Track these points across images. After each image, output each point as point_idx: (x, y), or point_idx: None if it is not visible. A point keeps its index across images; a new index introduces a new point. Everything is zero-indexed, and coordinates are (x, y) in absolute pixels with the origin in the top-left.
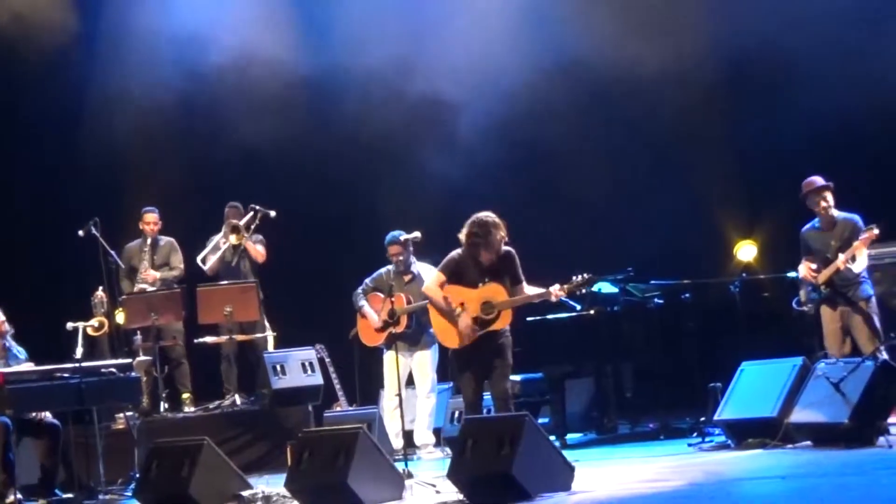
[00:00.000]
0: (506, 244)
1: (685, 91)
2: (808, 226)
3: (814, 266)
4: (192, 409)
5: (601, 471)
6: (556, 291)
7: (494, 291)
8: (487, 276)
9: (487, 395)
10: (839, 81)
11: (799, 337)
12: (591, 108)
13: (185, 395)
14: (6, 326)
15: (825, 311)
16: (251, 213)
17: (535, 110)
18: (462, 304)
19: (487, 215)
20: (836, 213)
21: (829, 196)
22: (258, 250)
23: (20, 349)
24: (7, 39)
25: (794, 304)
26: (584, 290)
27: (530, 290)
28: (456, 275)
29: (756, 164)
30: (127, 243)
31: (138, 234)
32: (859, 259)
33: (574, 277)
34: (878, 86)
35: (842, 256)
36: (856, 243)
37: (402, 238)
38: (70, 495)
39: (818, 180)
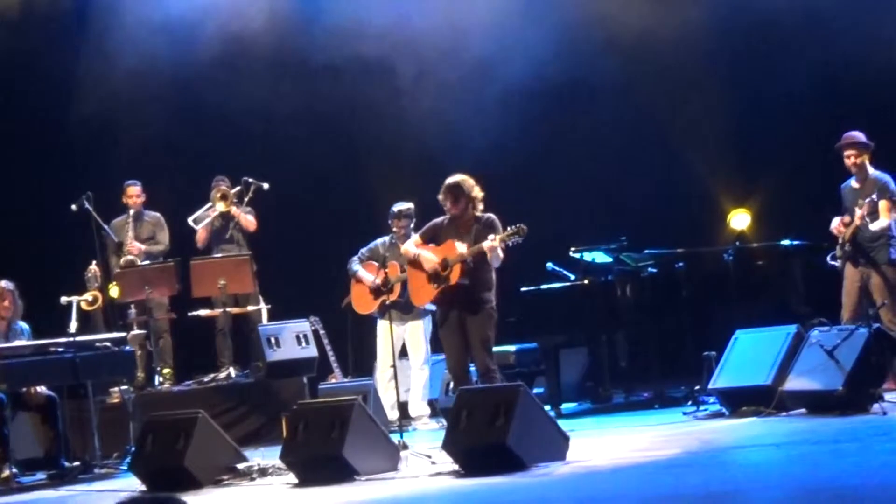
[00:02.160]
0: (484, 210)
1: (678, 57)
2: (845, 182)
3: (847, 220)
4: (169, 384)
5: (596, 440)
6: (490, 243)
7: (449, 248)
8: (458, 238)
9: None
10: (833, 44)
11: (793, 305)
12: (582, 75)
13: (166, 371)
14: (10, 308)
15: (848, 268)
16: (244, 186)
17: (526, 79)
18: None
19: (457, 177)
20: (870, 170)
21: (857, 153)
22: (248, 220)
23: (24, 326)
24: None
25: (828, 259)
26: (517, 240)
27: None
28: (432, 237)
29: (750, 132)
30: (113, 220)
31: (124, 211)
32: (881, 219)
33: (508, 227)
34: (874, 47)
35: (858, 212)
36: (881, 203)
37: (411, 211)
38: (76, 463)
39: (857, 136)
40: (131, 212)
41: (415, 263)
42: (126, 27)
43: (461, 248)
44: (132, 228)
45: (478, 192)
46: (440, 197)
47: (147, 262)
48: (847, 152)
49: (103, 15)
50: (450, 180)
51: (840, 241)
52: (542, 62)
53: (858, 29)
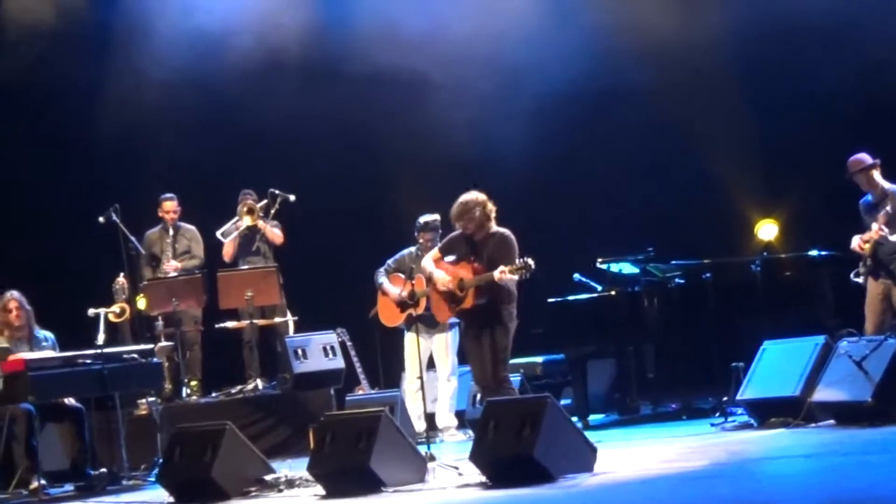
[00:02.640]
0: (496, 225)
1: (705, 67)
2: (862, 199)
3: (866, 238)
4: (197, 396)
5: (623, 452)
6: (498, 274)
7: (465, 270)
8: (472, 255)
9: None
10: (862, 54)
11: (821, 315)
12: (610, 85)
13: (194, 383)
14: (21, 315)
15: (870, 282)
16: (271, 198)
17: (552, 89)
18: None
19: (469, 194)
20: (885, 185)
21: (875, 174)
22: (275, 233)
23: (47, 334)
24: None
25: (851, 276)
26: (525, 275)
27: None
28: (449, 252)
29: (778, 141)
30: (147, 230)
31: (157, 221)
32: None
33: (517, 260)
34: None
35: (875, 226)
36: (880, 215)
37: (437, 223)
38: (103, 470)
39: (866, 159)
40: (169, 227)
41: (430, 281)
42: (154, 38)
43: (475, 270)
44: (170, 244)
45: (489, 208)
46: (452, 217)
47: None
48: (858, 178)
49: (132, 26)
50: (461, 198)
51: (863, 258)
52: (568, 72)
53: (888, 35)
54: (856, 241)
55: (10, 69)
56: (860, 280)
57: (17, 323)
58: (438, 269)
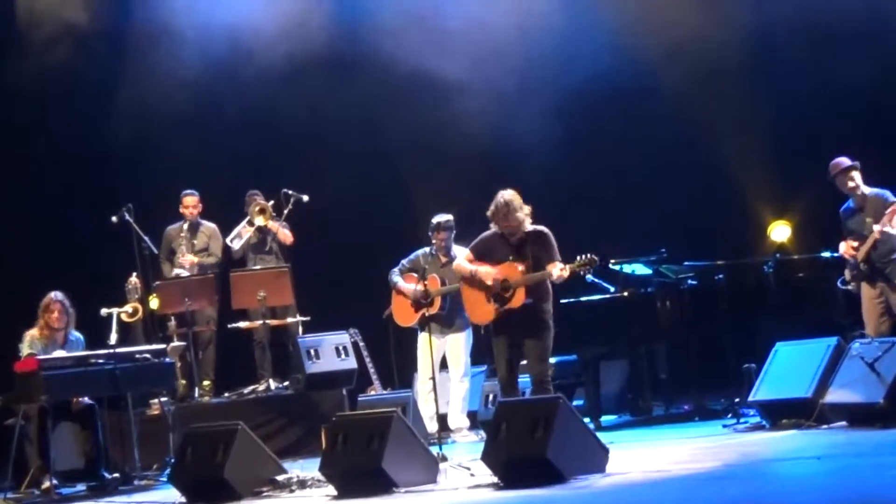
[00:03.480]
0: (533, 223)
1: (719, 68)
2: (844, 206)
3: (854, 244)
4: (209, 396)
5: (636, 453)
6: (558, 272)
7: (511, 269)
8: (513, 254)
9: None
10: (874, 55)
11: (833, 317)
12: (625, 89)
13: (206, 383)
14: (62, 318)
15: (865, 288)
16: (284, 198)
17: (566, 87)
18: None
19: (506, 192)
20: (866, 190)
21: (856, 175)
22: (286, 233)
23: (79, 336)
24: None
25: (839, 284)
26: (588, 271)
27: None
28: (484, 253)
29: (790, 143)
30: (166, 227)
31: (171, 221)
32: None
33: (578, 257)
34: None
35: (876, 227)
36: (887, 212)
37: (451, 223)
38: (116, 475)
39: (844, 161)
40: (187, 223)
41: (471, 280)
42: (171, 37)
43: (522, 269)
44: (187, 239)
45: (527, 209)
46: (491, 213)
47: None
48: (852, 174)
49: (148, 25)
50: (502, 197)
51: (852, 262)
52: (584, 72)
53: None
54: (843, 248)
55: (26, 68)
56: (849, 287)
57: (57, 325)
58: (483, 266)
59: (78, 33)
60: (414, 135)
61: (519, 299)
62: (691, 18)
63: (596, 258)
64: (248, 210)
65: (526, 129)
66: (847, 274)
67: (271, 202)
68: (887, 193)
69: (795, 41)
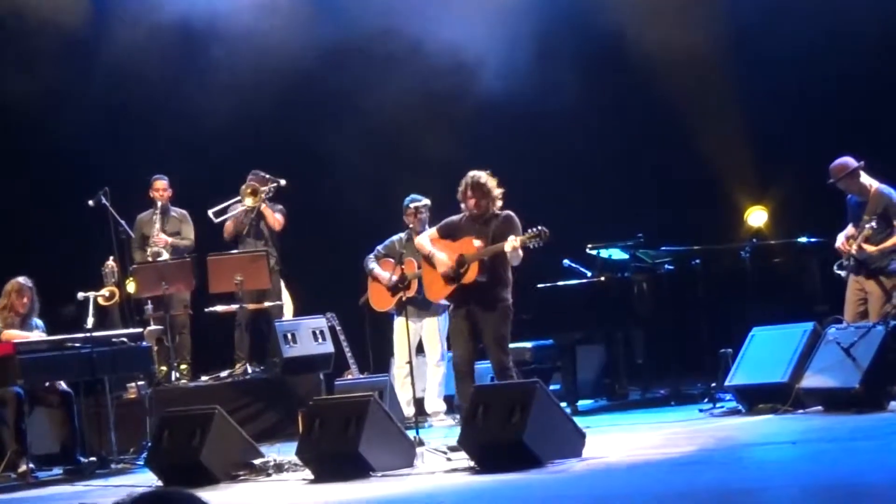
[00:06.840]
0: (503, 207)
1: (694, 54)
2: (851, 195)
3: (853, 233)
4: (186, 380)
5: (612, 437)
6: (511, 244)
7: (467, 245)
8: (479, 236)
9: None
10: (853, 41)
11: (810, 302)
12: (598, 73)
13: (183, 367)
14: (27, 305)
15: (851, 277)
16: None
17: (541, 77)
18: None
19: (479, 174)
20: (872, 184)
21: (864, 176)
22: (276, 217)
23: (38, 322)
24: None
25: (835, 268)
26: (538, 243)
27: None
28: (449, 234)
29: (766, 129)
30: (138, 214)
31: (148, 206)
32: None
33: (529, 229)
34: (890, 45)
35: (868, 224)
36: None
37: (421, 204)
38: (93, 458)
39: (850, 162)
40: (158, 206)
41: (429, 260)
42: (151, 18)
43: (479, 245)
44: (159, 223)
45: (498, 191)
46: (460, 193)
47: (165, 257)
48: (843, 184)
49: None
50: (472, 177)
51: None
52: (556, 59)
53: (877, 25)
54: (840, 240)
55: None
56: (843, 273)
57: (22, 311)
58: (438, 250)
59: (49, 17)
60: (388, 124)
61: (471, 275)
62: (669, 7)
63: (546, 231)
64: (242, 189)
65: (498, 118)
66: (845, 260)
67: (266, 186)
68: (892, 193)
69: (768, 30)
